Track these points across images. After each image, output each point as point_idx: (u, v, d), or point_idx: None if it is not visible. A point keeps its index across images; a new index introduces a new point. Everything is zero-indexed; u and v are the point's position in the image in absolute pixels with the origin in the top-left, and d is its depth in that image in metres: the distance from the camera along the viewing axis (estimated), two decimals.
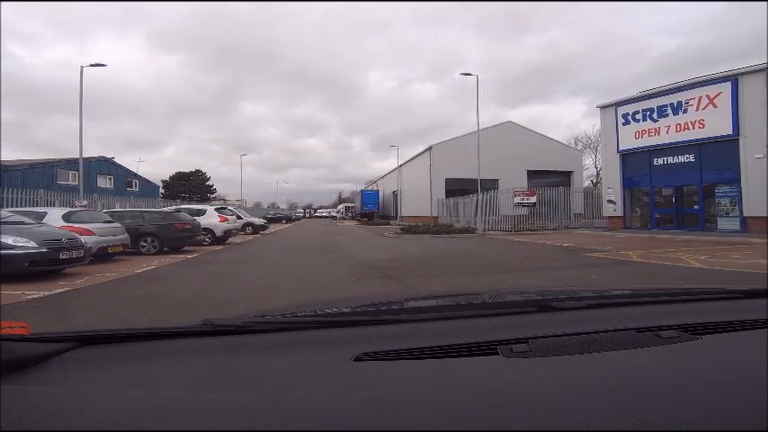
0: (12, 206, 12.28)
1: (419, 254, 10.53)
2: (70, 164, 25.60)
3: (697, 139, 15.30)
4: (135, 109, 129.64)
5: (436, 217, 28.02)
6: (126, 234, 9.45)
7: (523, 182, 27.82)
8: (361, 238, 17.62)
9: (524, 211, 20.34)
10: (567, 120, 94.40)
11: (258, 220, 22.37)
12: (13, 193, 13.71)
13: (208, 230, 13.20)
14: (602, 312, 0.97)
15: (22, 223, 6.60)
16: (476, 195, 20.83)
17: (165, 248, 10.71)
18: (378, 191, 48.87)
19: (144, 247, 10.46)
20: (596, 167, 40.66)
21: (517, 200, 19.84)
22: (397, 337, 0.80)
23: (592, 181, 39.81)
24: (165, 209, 14.01)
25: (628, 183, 17.92)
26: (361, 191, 53.75)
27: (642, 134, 17.04)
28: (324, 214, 68.73)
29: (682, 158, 15.93)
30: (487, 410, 0.54)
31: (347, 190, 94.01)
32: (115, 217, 10.25)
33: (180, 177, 50.41)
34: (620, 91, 44.63)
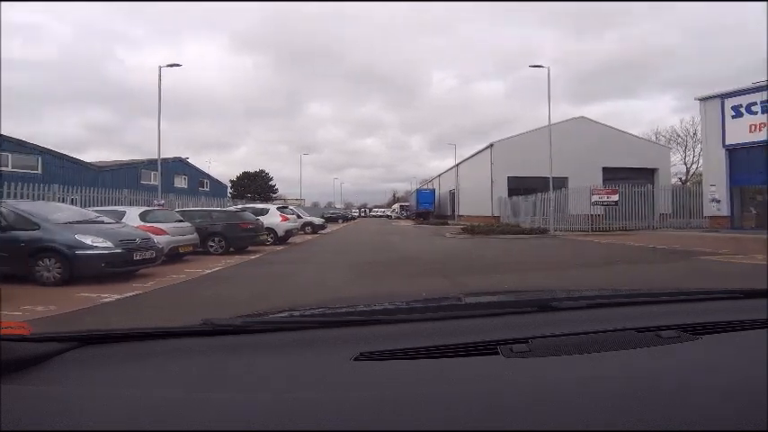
0: (103, 205, 13.25)
1: (494, 258, 9.57)
2: (152, 164, 27.73)
3: None
4: (214, 111, 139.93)
5: (498, 217, 27.15)
6: (195, 234, 9.65)
7: (597, 180, 25.87)
8: (420, 238, 16.95)
9: (599, 210, 18.65)
10: (652, 115, 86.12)
11: (317, 220, 22.59)
12: (104, 193, 14.93)
13: (270, 230, 13.31)
14: (602, 312, 0.96)
15: (102, 222, 6.80)
16: (547, 194, 19.54)
17: (231, 248, 10.86)
18: (433, 190, 47.96)
19: (212, 246, 10.66)
20: (686, 164, 37.15)
21: (595, 198, 18.13)
22: (396, 337, 0.79)
23: (680, 179, 35.91)
24: (230, 208, 14.39)
25: (736, 180, 15.43)
26: (417, 190, 53.09)
27: (760, 127, 14.51)
28: (379, 213, 69.26)
29: None
30: (487, 410, 0.53)
31: (401, 189, 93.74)
32: (186, 216, 10.56)
33: (245, 177, 53.28)
34: (721, 84, 39.15)
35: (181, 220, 9.69)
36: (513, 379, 0.64)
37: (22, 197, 11.33)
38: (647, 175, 28.31)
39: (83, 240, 5.84)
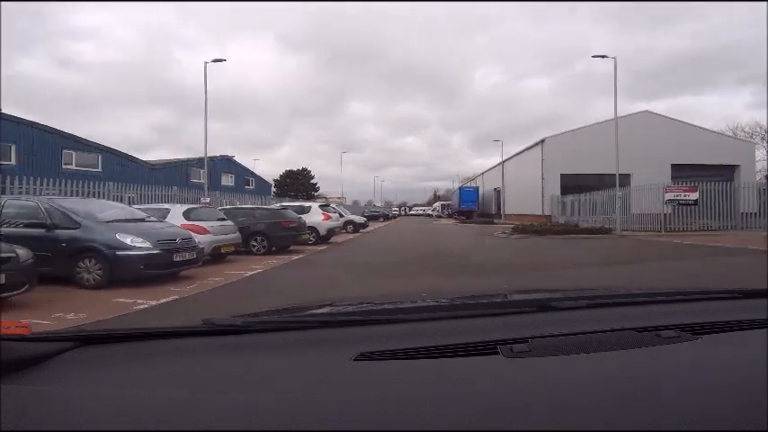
0: (156, 202, 13.48)
1: (572, 261, 8.39)
2: (201, 162, 28.50)
3: None
4: (260, 111, 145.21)
5: (549, 216, 25.89)
6: (238, 233, 9.33)
7: (665, 177, 23.83)
8: (469, 237, 15.92)
9: (668, 209, 17.00)
10: (724, 112, 79.30)
11: (358, 218, 22.15)
12: (156, 191, 15.30)
13: (312, 229, 12.92)
14: (602, 312, 0.96)
15: (143, 221, 6.54)
16: (610, 191, 18.29)
17: (273, 248, 10.52)
18: (477, 188, 46.27)
19: (254, 246, 10.34)
20: None
21: (670, 196, 16.40)
22: (397, 336, 0.79)
23: (766, 176, 32.36)
24: (273, 206, 14.16)
25: None
26: (459, 188, 51.54)
27: None
28: (419, 212, 68.39)
29: None
30: (488, 410, 0.54)
31: (442, 188, 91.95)
32: (229, 215, 10.32)
33: (289, 176, 54.27)
34: None
35: (224, 219, 9.43)
36: (513, 379, 0.64)
37: (86, 195, 11.71)
38: (726, 171, 25.89)
39: (123, 240, 5.53)
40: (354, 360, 0.69)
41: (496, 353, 0.71)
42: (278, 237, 10.62)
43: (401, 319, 0.93)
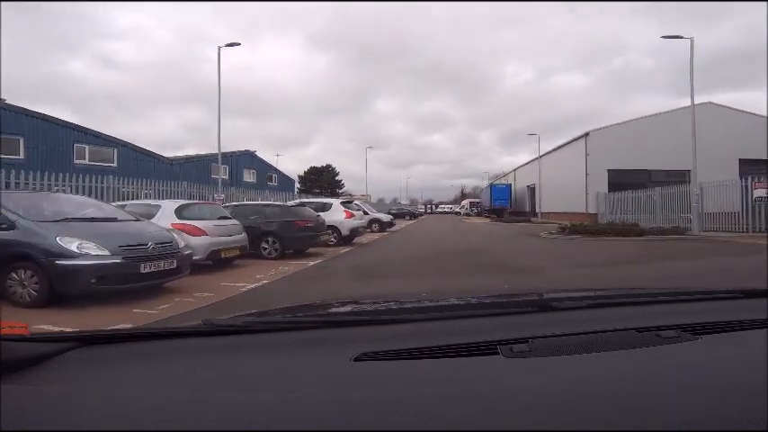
0: (169, 198, 12.31)
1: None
2: (222, 158, 27.64)
3: None
4: (288, 109, 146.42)
5: (594, 214, 23.91)
6: (244, 234, 7.83)
7: (730, 173, 21.57)
8: (512, 239, 13.91)
9: (737, 207, 15.12)
10: None
11: (385, 216, 20.51)
12: (174, 186, 14.18)
13: (333, 228, 11.35)
14: (602, 312, 0.96)
15: (112, 220, 5.06)
16: (682, 187, 16.65)
17: (287, 251, 8.98)
18: (509, 185, 43.78)
19: (265, 249, 8.83)
20: None
21: (760, 193, 14.03)
22: (398, 336, 0.79)
23: None
24: (288, 203, 12.65)
25: None
26: (490, 185, 49.14)
27: None
28: (446, 210, 66.43)
29: None
30: (488, 410, 0.54)
31: (469, 185, 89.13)
32: (237, 212, 8.85)
33: (313, 172, 53.31)
34: None
35: (227, 217, 7.95)
36: (513, 379, 0.64)
37: (95, 191, 10.63)
38: None
39: (65, 245, 4.06)
40: (355, 360, 0.69)
41: (497, 353, 0.70)
42: (292, 238, 9.07)
43: (402, 320, 0.92)
